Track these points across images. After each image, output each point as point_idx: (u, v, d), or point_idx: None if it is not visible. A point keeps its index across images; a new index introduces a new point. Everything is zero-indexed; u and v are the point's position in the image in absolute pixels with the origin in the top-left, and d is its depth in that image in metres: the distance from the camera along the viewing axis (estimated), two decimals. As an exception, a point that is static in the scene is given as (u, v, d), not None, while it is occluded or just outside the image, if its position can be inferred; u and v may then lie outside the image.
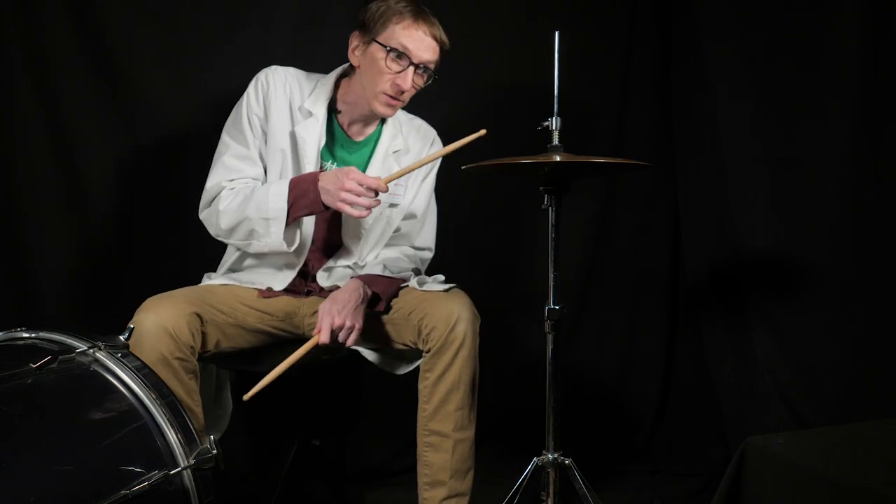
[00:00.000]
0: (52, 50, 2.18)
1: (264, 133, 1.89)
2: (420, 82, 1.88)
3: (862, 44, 2.10)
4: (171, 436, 1.28)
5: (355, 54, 1.90)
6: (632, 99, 2.68)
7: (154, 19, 2.26)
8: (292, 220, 1.82)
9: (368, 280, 1.87)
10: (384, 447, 2.45)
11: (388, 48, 1.82)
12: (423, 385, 1.79)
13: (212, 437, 1.34)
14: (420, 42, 1.83)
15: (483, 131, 1.70)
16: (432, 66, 1.87)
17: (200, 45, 2.30)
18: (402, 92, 1.84)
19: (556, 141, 1.73)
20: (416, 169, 1.88)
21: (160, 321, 1.63)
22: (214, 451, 1.32)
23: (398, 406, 2.03)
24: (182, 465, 1.28)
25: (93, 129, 2.23)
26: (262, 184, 1.89)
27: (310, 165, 1.88)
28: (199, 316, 1.72)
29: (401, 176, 1.84)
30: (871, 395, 2.12)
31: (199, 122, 2.27)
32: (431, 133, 2.08)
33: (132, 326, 1.49)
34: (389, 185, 1.83)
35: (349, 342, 1.78)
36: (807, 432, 2.00)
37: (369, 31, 1.85)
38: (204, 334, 1.74)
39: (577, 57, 2.23)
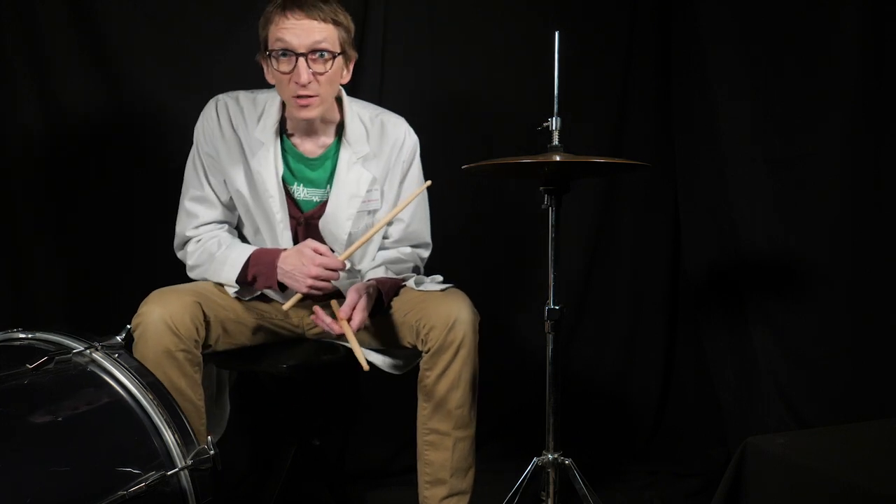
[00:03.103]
0: (52, 50, 2.18)
1: (220, 170, 1.88)
2: (321, 68, 1.75)
3: (862, 44, 2.10)
4: (169, 436, 1.28)
5: (267, 76, 1.82)
6: (632, 99, 2.68)
7: (154, 19, 2.25)
8: (252, 293, 1.88)
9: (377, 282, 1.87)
10: (384, 447, 2.45)
11: (270, 52, 1.75)
12: (423, 384, 1.79)
13: (209, 437, 1.34)
14: (296, 29, 1.72)
15: (428, 182, 1.82)
16: (326, 47, 1.74)
17: (200, 45, 2.30)
18: (306, 86, 1.74)
19: (556, 141, 1.72)
20: (376, 232, 1.86)
21: (165, 314, 1.64)
22: (212, 452, 1.32)
23: (398, 406, 2.02)
24: (179, 466, 1.27)
25: (92, 129, 2.23)
26: (230, 225, 1.94)
27: (273, 199, 1.85)
28: (202, 308, 1.73)
29: (358, 248, 1.83)
30: (871, 395, 2.11)
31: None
32: (401, 126, 1.96)
33: (129, 327, 1.50)
34: (363, 192, 1.88)
35: (355, 322, 1.76)
36: (807, 432, 1.99)
37: (260, 47, 1.80)
38: (207, 324, 1.75)
39: (577, 57, 2.23)
